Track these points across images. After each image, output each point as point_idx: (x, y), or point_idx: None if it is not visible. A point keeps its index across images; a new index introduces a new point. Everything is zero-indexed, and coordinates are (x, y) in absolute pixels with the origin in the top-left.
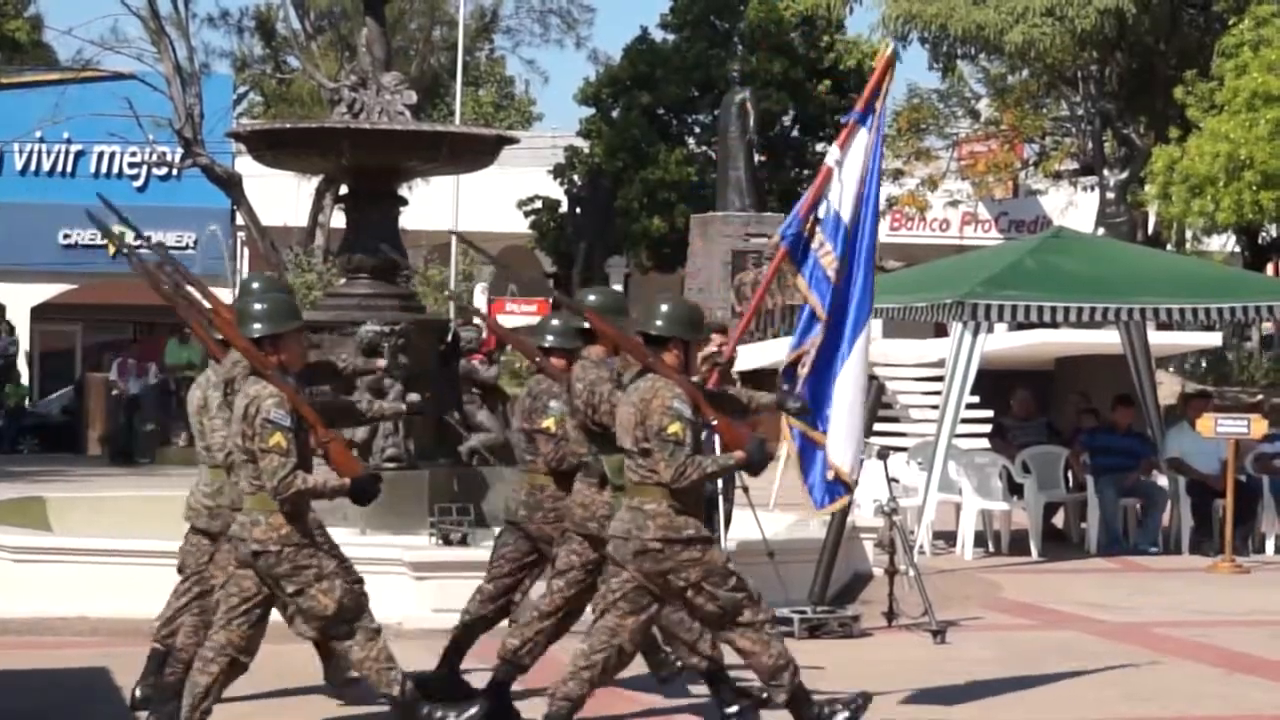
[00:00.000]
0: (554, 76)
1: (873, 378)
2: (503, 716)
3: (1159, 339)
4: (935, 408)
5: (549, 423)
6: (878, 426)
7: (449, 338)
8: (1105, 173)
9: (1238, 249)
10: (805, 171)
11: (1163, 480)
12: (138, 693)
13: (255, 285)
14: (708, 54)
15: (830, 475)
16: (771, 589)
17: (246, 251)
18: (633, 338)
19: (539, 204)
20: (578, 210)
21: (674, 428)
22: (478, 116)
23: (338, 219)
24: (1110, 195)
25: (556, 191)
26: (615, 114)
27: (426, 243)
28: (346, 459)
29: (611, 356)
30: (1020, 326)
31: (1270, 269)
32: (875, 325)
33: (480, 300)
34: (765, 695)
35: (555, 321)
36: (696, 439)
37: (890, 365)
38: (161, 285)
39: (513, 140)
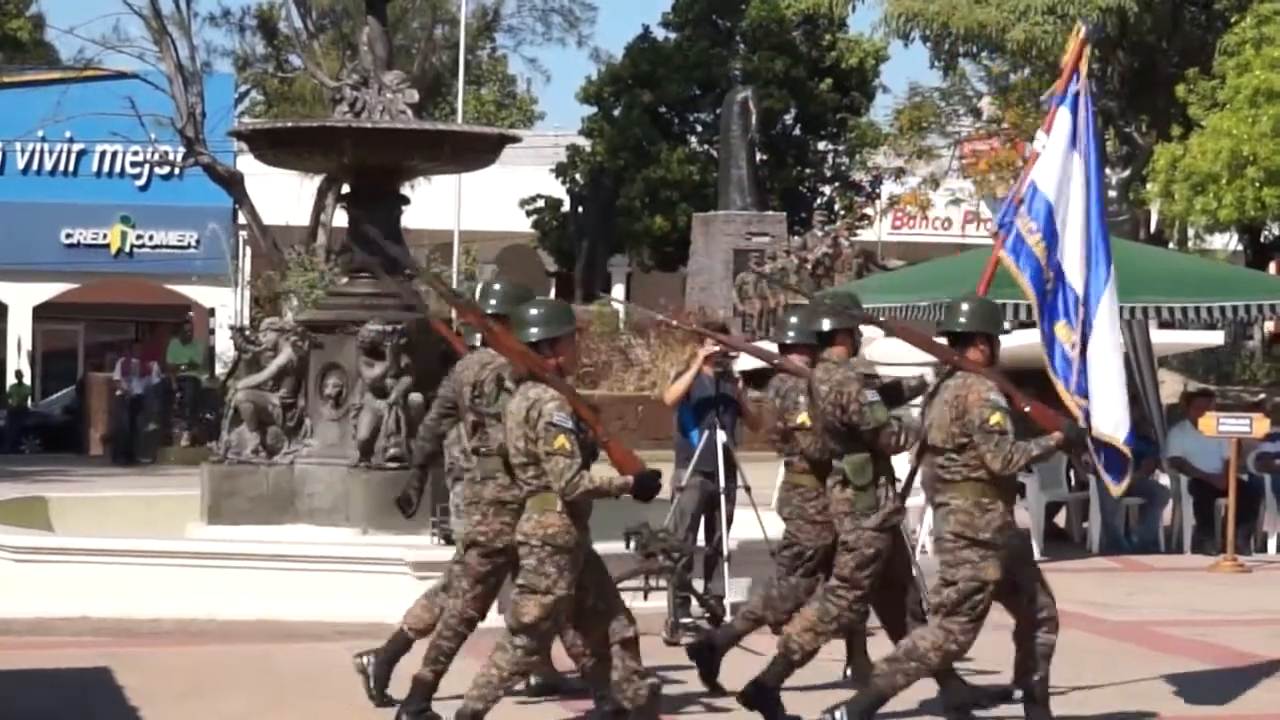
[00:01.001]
0: (556, 75)
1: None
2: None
3: (1161, 337)
4: None
5: (803, 418)
6: None
7: None
8: (1107, 171)
9: (1240, 247)
10: (807, 170)
11: (1165, 479)
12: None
13: (496, 287)
14: (709, 52)
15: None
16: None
17: (248, 250)
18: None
19: (541, 203)
20: (580, 209)
21: (995, 418)
22: (480, 115)
23: (340, 218)
24: (1113, 193)
25: (558, 190)
26: (617, 113)
27: (429, 242)
28: (627, 457)
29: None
30: (1023, 325)
31: (1273, 267)
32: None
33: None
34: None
35: (794, 319)
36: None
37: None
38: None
39: (515, 139)
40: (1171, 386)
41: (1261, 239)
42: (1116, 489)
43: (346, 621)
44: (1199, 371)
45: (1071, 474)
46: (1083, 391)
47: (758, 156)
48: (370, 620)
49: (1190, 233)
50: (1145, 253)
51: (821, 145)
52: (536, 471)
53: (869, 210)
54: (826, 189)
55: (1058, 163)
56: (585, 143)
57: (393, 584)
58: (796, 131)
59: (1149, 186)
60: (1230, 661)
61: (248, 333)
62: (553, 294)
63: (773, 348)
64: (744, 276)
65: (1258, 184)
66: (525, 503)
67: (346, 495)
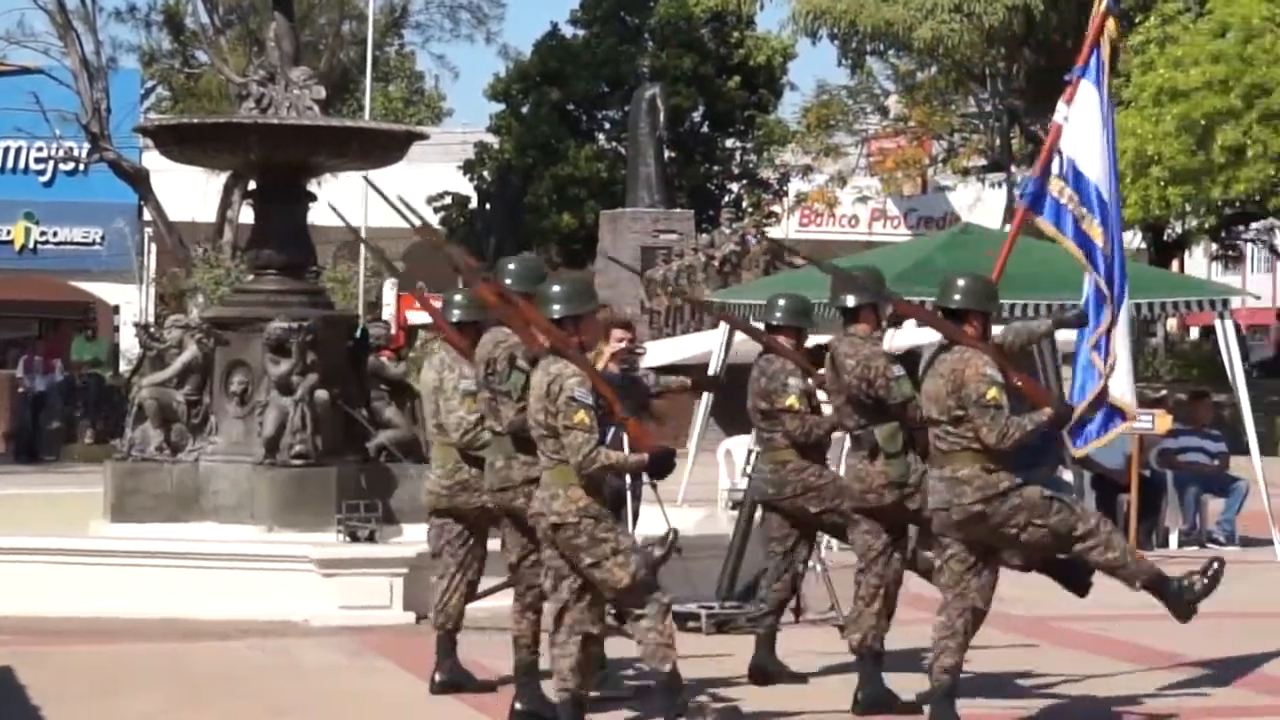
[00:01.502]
0: (464, 72)
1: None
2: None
3: (1066, 334)
4: None
5: (791, 400)
6: None
7: (357, 334)
8: (1013, 169)
9: (1144, 245)
10: (715, 168)
11: (1069, 475)
12: (437, 678)
13: (512, 266)
14: (618, 50)
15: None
16: (678, 585)
17: (154, 247)
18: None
19: (449, 200)
20: (487, 206)
21: (992, 393)
22: (387, 112)
23: (246, 215)
24: (1018, 191)
25: (466, 188)
26: (525, 110)
27: (336, 239)
28: (643, 434)
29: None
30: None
31: (1176, 265)
32: None
33: (389, 295)
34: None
35: (783, 301)
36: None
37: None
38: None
39: (422, 136)
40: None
41: (1165, 237)
42: (1080, 450)
43: (252, 619)
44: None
45: None
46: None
47: (666, 154)
48: (276, 618)
49: None
50: (1050, 251)
51: (729, 143)
52: (556, 445)
53: (776, 208)
54: (734, 186)
55: (1094, 137)
56: (493, 140)
57: (298, 581)
58: (704, 129)
59: None
60: (1132, 656)
61: (153, 330)
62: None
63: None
64: (651, 273)
65: (1162, 183)
66: (544, 477)
67: (252, 493)
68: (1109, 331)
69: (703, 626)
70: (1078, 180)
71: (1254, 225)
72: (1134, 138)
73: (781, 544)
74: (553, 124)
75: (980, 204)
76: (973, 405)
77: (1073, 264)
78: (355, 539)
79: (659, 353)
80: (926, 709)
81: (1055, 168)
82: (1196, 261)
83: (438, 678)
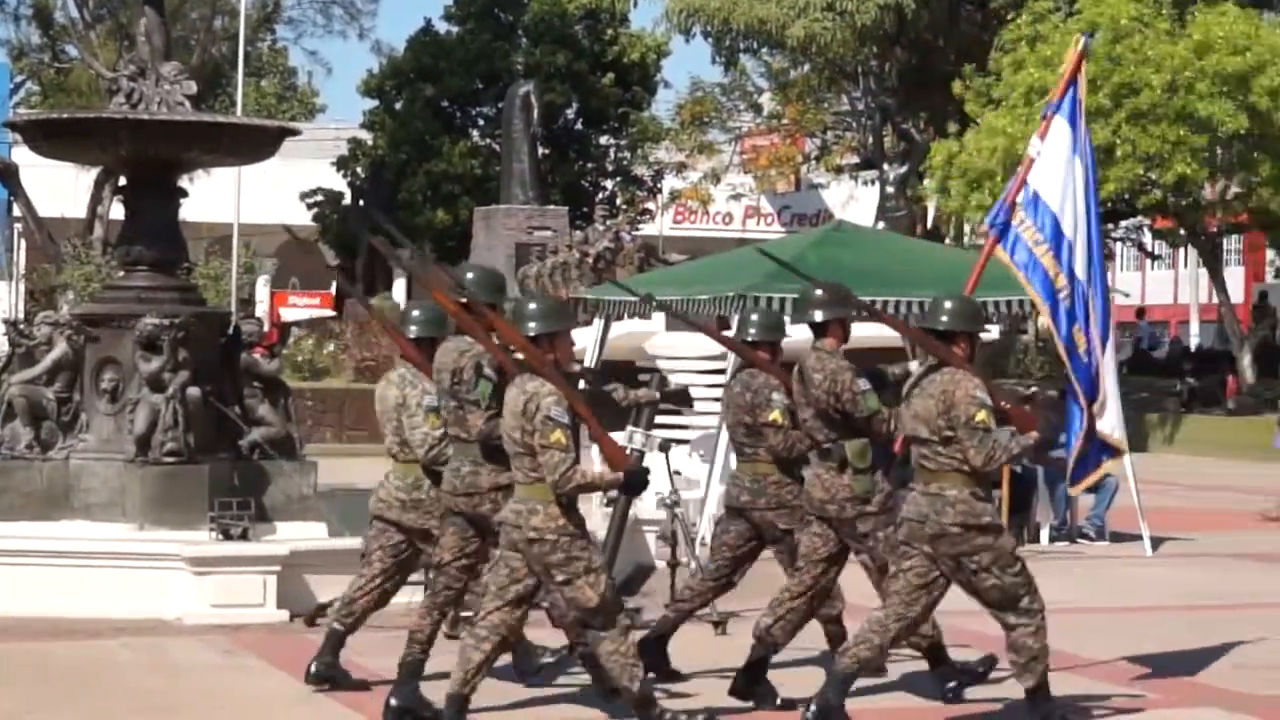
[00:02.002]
0: (337, 68)
1: (654, 370)
2: (760, 690)
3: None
4: (717, 400)
5: (775, 415)
6: (660, 419)
7: (230, 331)
8: (885, 167)
9: None
10: (589, 164)
11: None
12: (314, 668)
13: (470, 275)
14: (491, 46)
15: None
16: None
17: (23, 243)
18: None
19: (322, 196)
20: (361, 203)
21: (981, 415)
22: (260, 108)
23: (117, 210)
24: (890, 189)
25: (340, 184)
26: (399, 106)
27: (208, 235)
28: (617, 453)
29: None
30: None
31: None
32: (659, 319)
33: (262, 292)
34: (999, 673)
35: (756, 317)
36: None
37: (673, 358)
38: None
39: (294, 132)
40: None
41: None
42: (1075, 489)
43: (124, 618)
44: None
45: None
46: (1089, 394)
47: (539, 150)
48: (148, 616)
49: (966, 228)
50: (922, 248)
51: (603, 140)
52: (532, 463)
53: (650, 205)
54: (608, 183)
55: (1060, 171)
56: (366, 136)
57: (170, 580)
58: (579, 126)
59: (926, 182)
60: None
61: (22, 327)
62: (334, 289)
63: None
64: (525, 270)
65: None
66: (518, 492)
67: (123, 490)
68: (1092, 363)
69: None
70: (1035, 208)
71: (1123, 224)
72: (1004, 136)
73: (733, 551)
74: (426, 120)
75: (853, 202)
76: (962, 427)
77: (943, 266)
78: (228, 537)
79: None
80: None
81: (1021, 198)
82: None
83: (314, 668)
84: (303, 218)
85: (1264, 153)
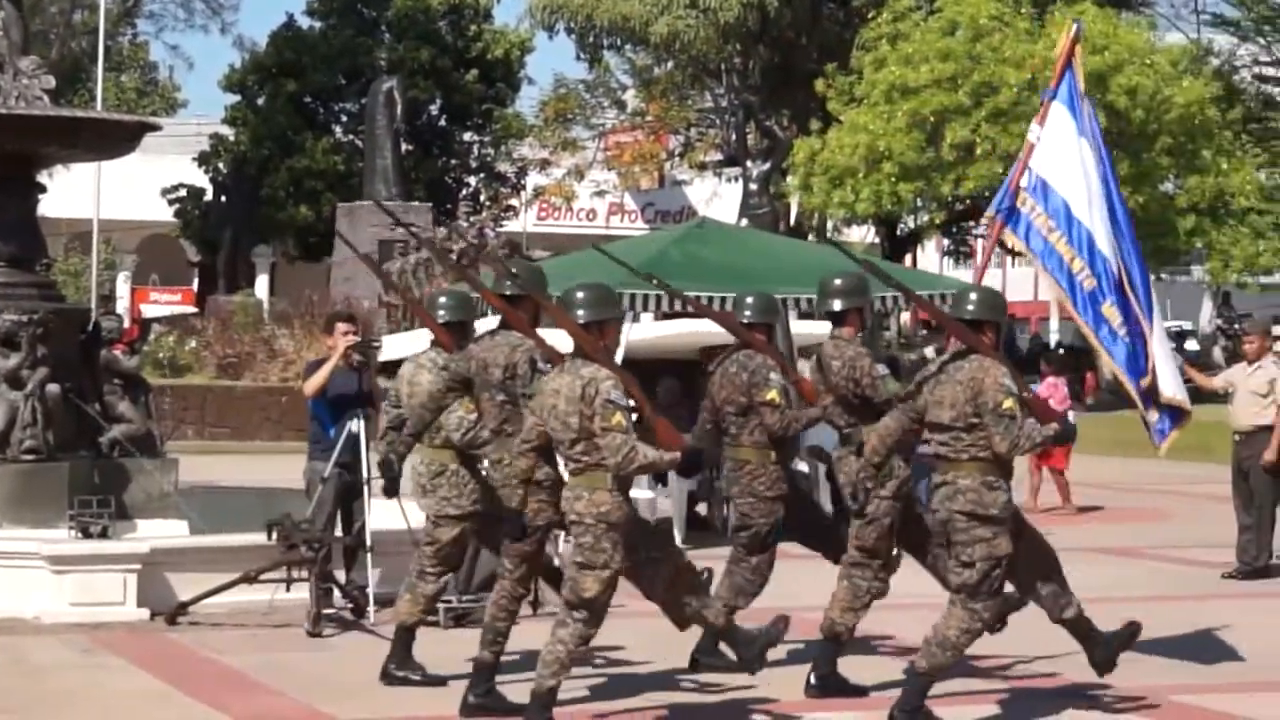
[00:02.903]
0: (199, 63)
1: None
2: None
3: (801, 328)
4: None
5: (773, 394)
6: None
7: (90, 327)
8: (748, 164)
9: (877, 239)
10: (452, 161)
11: (804, 466)
12: (391, 667)
13: (514, 270)
14: (355, 42)
15: (1159, 411)
16: None
17: None
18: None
19: (184, 192)
20: (223, 198)
21: (1009, 403)
22: (120, 102)
23: None
24: (753, 186)
25: (202, 180)
26: (261, 101)
27: (67, 231)
28: (673, 435)
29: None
30: (666, 316)
31: (909, 260)
32: None
33: (123, 288)
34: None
35: (751, 299)
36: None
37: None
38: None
39: (155, 127)
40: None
41: (898, 232)
42: (1162, 447)
43: None
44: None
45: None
46: (1138, 370)
47: (403, 147)
48: (6, 615)
49: (829, 225)
50: (785, 245)
51: (467, 136)
52: (586, 447)
53: (514, 201)
54: (472, 180)
55: (1065, 155)
56: (229, 131)
57: (29, 578)
58: (442, 122)
59: (789, 179)
60: (877, 645)
61: None
62: (195, 285)
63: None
64: (389, 266)
65: (893, 178)
66: (569, 480)
67: None
68: (1141, 338)
69: (440, 620)
70: (1047, 198)
71: (984, 221)
72: (866, 133)
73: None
74: (289, 116)
75: (717, 198)
76: (989, 414)
77: (806, 262)
78: (87, 535)
79: (396, 346)
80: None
81: (1025, 183)
82: (929, 256)
83: (391, 667)
84: (164, 214)
85: (1122, 151)
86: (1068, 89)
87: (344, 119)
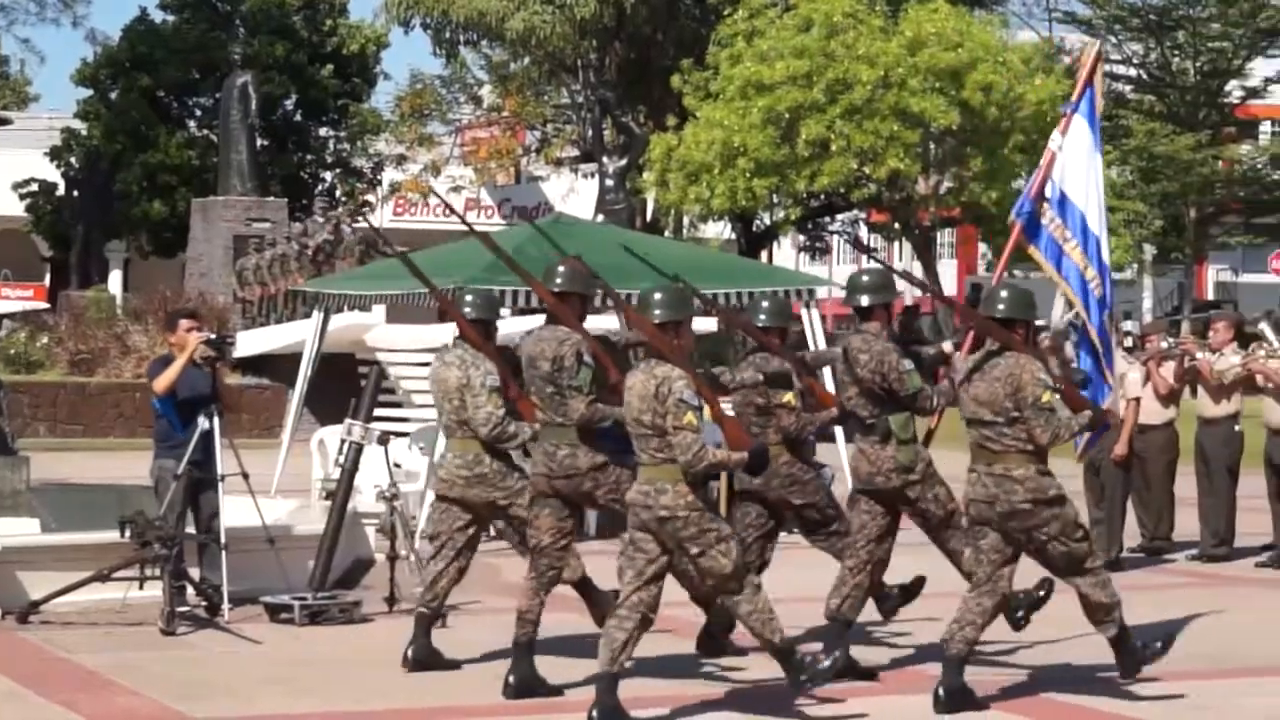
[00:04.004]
0: (51, 57)
1: (374, 363)
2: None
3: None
4: None
5: (789, 396)
6: (379, 412)
7: None
8: (605, 160)
9: (733, 235)
10: (308, 156)
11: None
12: (410, 653)
13: (562, 269)
14: (209, 36)
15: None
16: (272, 576)
17: None
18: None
19: (35, 187)
20: (75, 193)
21: (1046, 396)
22: None
23: None
24: (610, 182)
25: (54, 174)
26: (114, 96)
27: None
28: (741, 434)
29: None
30: (524, 311)
31: (765, 255)
32: (378, 311)
33: None
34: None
35: (767, 303)
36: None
37: (393, 350)
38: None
39: (6, 121)
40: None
41: (753, 228)
42: (1081, 457)
43: None
44: (694, 357)
45: None
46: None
47: (258, 142)
48: None
49: (685, 221)
50: (642, 240)
51: (323, 131)
52: (660, 444)
53: (370, 197)
54: (328, 175)
55: (1082, 168)
56: (81, 126)
57: None
58: (297, 117)
59: (645, 175)
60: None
61: None
62: (47, 281)
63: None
64: (243, 262)
65: (748, 174)
66: (646, 473)
67: None
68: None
69: (295, 617)
70: (1063, 207)
71: (839, 217)
72: (721, 129)
73: (758, 530)
74: (142, 110)
75: (573, 194)
76: (1029, 407)
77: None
78: None
79: (251, 342)
80: (942, 677)
81: (1048, 192)
82: (785, 252)
83: (410, 654)
84: (15, 208)
85: (975, 148)
86: (1088, 104)
87: (198, 114)
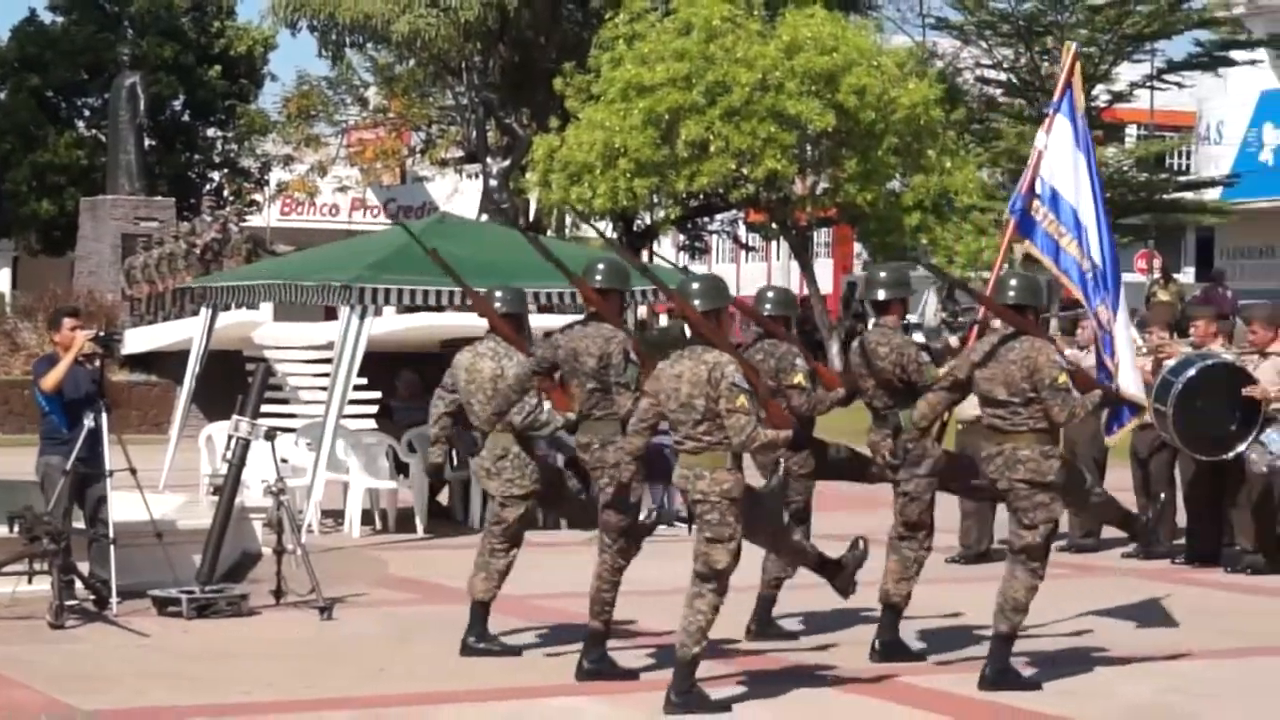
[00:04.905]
0: None
1: (261, 359)
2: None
3: (540, 321)
4: (324, 389)
5: (799, 378)
6: (266, 408)
7: None
8: (489, 160)
9: (615, 234)
10: (196, 156)
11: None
12: (470, 640)
13: (602, 265)
14: (97, 37)
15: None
16: (159, 570)
17: None
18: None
19: None
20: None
21: (1062, 378)
22: None
23: None
24: (494, 182)
25: None
26: (2, 96)
27: None
28: (781, 415)
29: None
30: (408, 309)
31: (646, 254)
32: (266, 309)
33: None
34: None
35: (772, 294)
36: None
37: (280, 348)
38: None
39: None
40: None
41: (634, 227)
42: (1111, 440)
43: None
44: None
45: (454, 453)
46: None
47: (146, 142)
48: None
49: (567, 220)
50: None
51: (211, 132)
52: (710, 428)
53: (258, 196)
54: (216, 175)
55: (1068, 164)
56: None
57: None
58: (185, 117)
59: (528, 176)
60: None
61: None
62: None
63: None
64: (132, 261)
65: (629, 174)
66: (686, 459)
67: None
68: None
69: (183, 610)
70: (1055, 203)
71: (718, 217)
72: (603, 131)
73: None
74: (31, 110)
75: (458, 194)
76: (1046, 389)
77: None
78: None
79: (139, 339)
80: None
81: (1038, 189)
82: (666, 250)
83: (470, 641)
84: None
85: (850, 149)
86: (1068, 103)
87: (87, 114)
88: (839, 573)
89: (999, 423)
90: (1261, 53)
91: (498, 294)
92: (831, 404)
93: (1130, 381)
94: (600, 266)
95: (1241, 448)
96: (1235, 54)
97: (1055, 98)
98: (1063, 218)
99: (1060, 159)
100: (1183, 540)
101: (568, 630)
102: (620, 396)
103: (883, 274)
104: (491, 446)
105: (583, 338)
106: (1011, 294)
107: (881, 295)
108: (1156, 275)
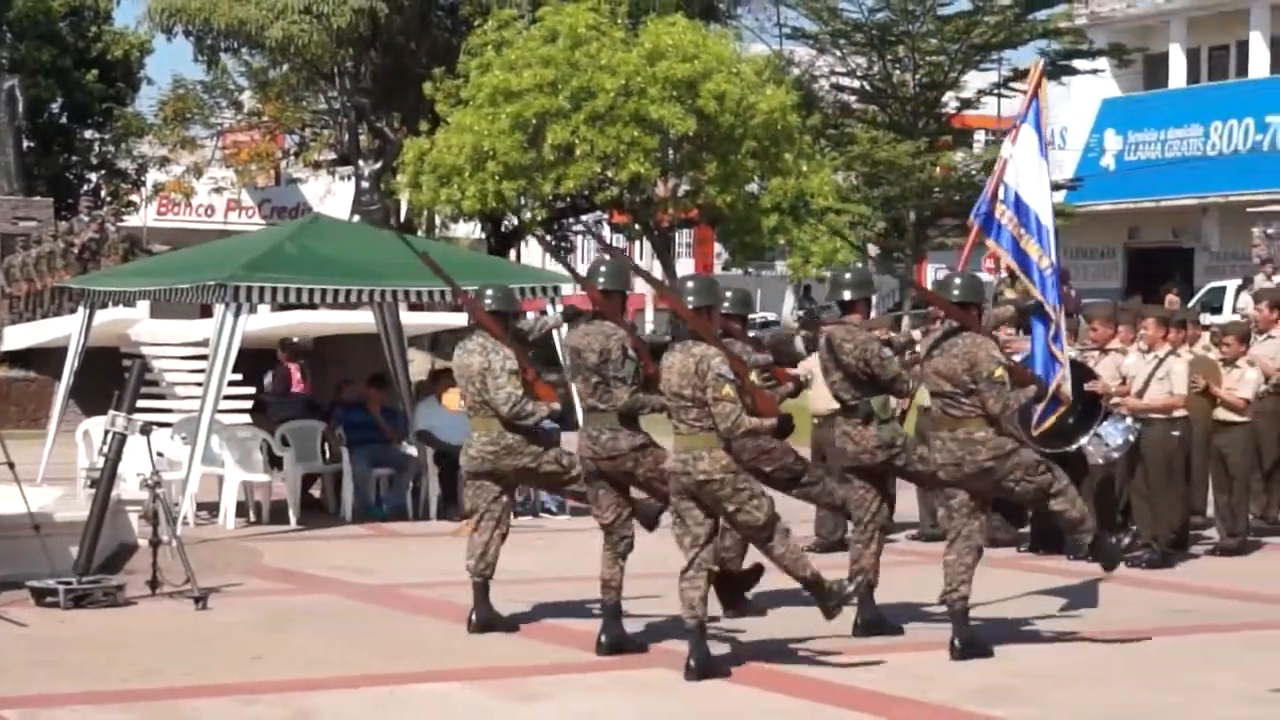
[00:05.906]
0: None
1: (138, 356)
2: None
3: (410, 319)
4: (199, 385)
5: (752, 375)
6: (142, 403)
7: None
8: (360, 163)
9: (483, 235)
10: (74, 158)
11: (413, 450)
12: (474, 617)
13: (604, 268)
14: None
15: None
16: (37, 562)
17: None
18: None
19: None
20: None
21: (999, 371)
22: None
23: None
24: (365, 184)
25: None
26: None
27: None
28: (768, 404)
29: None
30: (282, 307)
31: (514, 254)
32: (143, 307)
33: None
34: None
35: (731, 293)
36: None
37: (156, 344)
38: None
39: None
40: (420, 364)
41: (503, 228)
42: (1036, 430)
43: None
44: (446, 350)
45: (326, 447)
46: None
47: (25, 143)
48: None
49: (437, 221)
50: (396, 240)
51: (88, 134)
52: (699, 415)
53: (135, 197)
54: (93, 176)
55: (1032, 171)
56: None
57: None
58: (63, 120)
59: (399, 178)
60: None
61: None
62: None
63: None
64: (10, 260)
65: (498, 177)
66: (682, 442)
67: None
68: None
69: (61, 601)
70: (1018, 206)
71: (584, 218)
72: (471, 134)
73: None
74: None
75: (330, 196)
76: (984, 381)
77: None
78: None
79: (18, 337)
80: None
81: (1001, 194)
82: (532, 251)
83: (474, 618)
84: None
85: (711, 153)
86: (1034, 114)
87: None
88: (829, 596)
89: (949, 410)
90: (1103, 62)
91: (488, 293)
92: (785, 396)
93: (1060, 374)
94: (603, 269)
95: (1083, 440)
96: (1078, 63)
97: (1021, 110)
98: (1024, 219)
99: (1026, 166)
100: (1027, 529)
101: (442, 620)
102: (617, 390)
103: (848, 275)
104: (487, 431)
105: (585, 335)
106: (957, 292)
107: (848, 295)
108: (1004, 274)
